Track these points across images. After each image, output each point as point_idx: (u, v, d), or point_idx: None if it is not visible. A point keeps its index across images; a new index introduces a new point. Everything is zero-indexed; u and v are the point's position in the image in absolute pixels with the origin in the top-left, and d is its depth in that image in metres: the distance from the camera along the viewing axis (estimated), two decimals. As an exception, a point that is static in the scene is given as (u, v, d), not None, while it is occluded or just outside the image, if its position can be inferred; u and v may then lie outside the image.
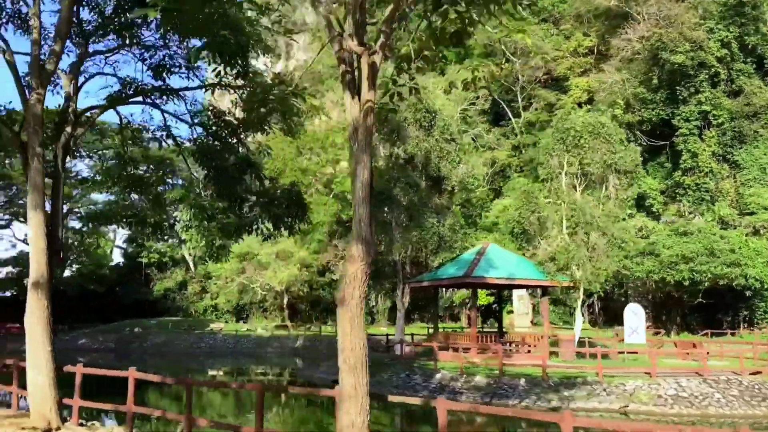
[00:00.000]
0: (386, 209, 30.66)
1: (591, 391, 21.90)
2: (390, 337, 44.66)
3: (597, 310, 55.22)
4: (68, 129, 13.91)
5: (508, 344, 29.90)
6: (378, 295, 66.05)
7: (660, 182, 60.10)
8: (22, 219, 78.72)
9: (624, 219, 30.91)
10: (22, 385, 15.22)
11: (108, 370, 16.03)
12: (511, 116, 72.65)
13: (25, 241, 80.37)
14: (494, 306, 59.91)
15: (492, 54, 77.07)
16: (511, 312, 59.43)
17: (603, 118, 30.29)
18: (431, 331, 53.41)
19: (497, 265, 28.36)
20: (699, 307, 49.13)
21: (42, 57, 13.67)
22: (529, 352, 28.94)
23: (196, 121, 14.57)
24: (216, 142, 14.47)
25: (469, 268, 27.96)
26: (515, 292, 55.63)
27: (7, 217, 77.20)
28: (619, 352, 27.68)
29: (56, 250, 13.30)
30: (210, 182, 14.30)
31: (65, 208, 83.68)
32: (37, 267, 12.85)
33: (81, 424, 13.42)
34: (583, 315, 33.39)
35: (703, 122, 57.53)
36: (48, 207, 13.83)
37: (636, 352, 28.84)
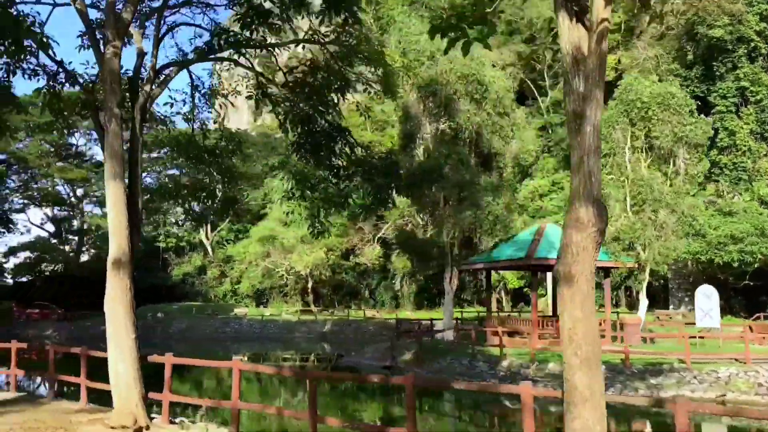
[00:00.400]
0: (434, 187, 28.96)
1: (680, 379, 20.36)
2: (423, 322, 43.39)
3: (634, 293, 53.61)
4: (146, 88, 12.27)
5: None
6: (402, 278, 64.74)
7: (695, 161, 58.30)
8: (37, 204, 77.36)
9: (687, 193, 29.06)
10: (90, 377, 13.74)
11: (201, 360, 14.41)
12: (537, 95, 70.73)
13: (40, 227, 79.03)
14: (525, 289, 58.51)
15: (516, 32, 75.31)
16: (543, 296, 58.01)
17: (672, 87, 28.52)
18: (462, 315, 52.15)
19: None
20: (743, 290, 47.53)
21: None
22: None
23: (289, 79, 12.94)
24: (308, 103, 12.88)
25: (530, 249, 26.35)
26: (550, 275, 54.12)
27: (22, 201, 75.83)
28: (692, 337, 26.06)
29: (136, 223, 11.68)
30: (300, 149, 12.70)
31: (80, 191, 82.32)
32: (118, 243, 11.23)
33: (172, 422, 11.92)
34: (645, 299, 31.68)
35: (741, 99, 55.53)
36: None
37: (703, 337, 27.27)
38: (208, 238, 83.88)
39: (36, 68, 13.63)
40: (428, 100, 31.10)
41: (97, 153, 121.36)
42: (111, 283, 11.09)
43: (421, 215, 33.03)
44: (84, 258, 74.76)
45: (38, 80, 13.97)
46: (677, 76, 59.00)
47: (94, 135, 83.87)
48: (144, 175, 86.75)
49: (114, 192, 11.16)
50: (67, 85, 13.97)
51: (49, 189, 76.51)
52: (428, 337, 32.58)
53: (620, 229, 26.88)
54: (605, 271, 28.89)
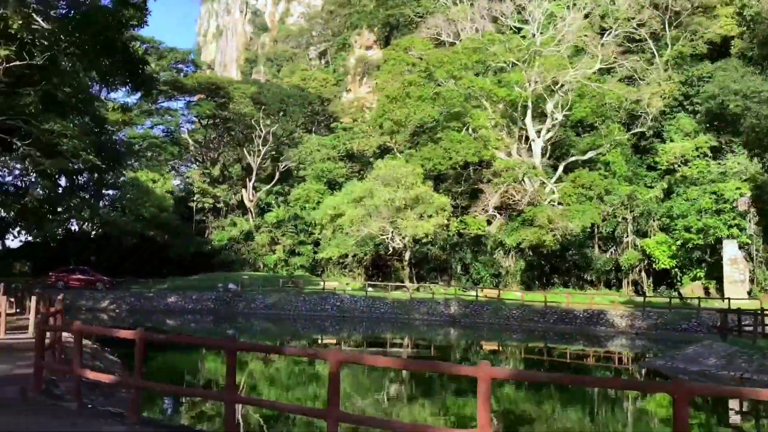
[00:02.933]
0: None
1: None
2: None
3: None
4: None
5: None
6: (509, 252, 55.14)
7: None
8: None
9: None
10: None
11: None
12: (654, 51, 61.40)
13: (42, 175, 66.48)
14: (674, 270, 49.45)
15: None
16: (698, 279, 49.22)
17: None
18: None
19: None
20: None
21: None
22: None
23: None
24: None
25: None
26: (727, 253, 45.31)
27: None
28: None
29: None
30: None
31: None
32: None
33: None
34: None
35: None
36: None
37: None
38: (250, 200, 72.93)
39: None
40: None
41: (118, 97, 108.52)
42: None
43: None
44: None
45: None
46: None
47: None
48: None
49: None
50: None
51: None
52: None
53: None
54: None
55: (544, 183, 54.75)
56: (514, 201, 53.94)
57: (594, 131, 57.64)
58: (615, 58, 56.09)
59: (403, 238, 49.24)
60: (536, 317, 41.96)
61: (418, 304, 45.02)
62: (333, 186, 72.98)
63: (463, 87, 51.47)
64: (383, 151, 73.10)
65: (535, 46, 55.76)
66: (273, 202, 74.10)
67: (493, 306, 43.84)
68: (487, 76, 56.18)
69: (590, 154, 54.72)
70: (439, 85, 53.70)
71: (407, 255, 52.14)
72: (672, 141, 53.27)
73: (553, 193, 53.60)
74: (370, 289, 50.30)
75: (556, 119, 54.53)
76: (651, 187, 54.70)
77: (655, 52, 60.75)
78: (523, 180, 54.01)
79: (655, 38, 61.58)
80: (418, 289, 51.20)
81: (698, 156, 51.65)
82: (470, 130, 54.27)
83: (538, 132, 56.51)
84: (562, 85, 54.22)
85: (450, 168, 52.37)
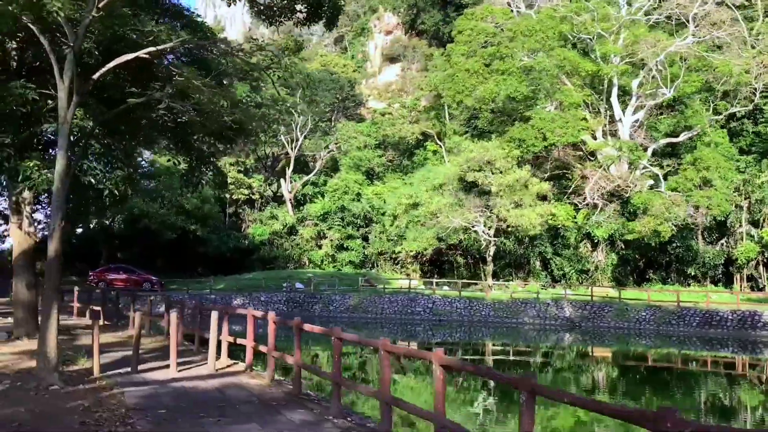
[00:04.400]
0: None
1: None
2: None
3: None
4: None
5: None
6: (597, 245, 49.30)
7: None
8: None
9: None
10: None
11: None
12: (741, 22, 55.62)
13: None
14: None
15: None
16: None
17: None
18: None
19: None
20: None
21: None
22: None
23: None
24: None
25: None
26: None
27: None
28: None
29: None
30: None
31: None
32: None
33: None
34: None
35: None
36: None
37: None
38: (290, 191, 66.45)
39: None
40: None
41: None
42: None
43: None
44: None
45: None
46: None
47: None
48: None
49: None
50: None
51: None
52: None
53: None
54: None
55: (633, 167, 48.89)
56: (599, 188, 48.14)
57: (676, 112, 51.97)
58: (712, 27, 50.33)
59: (489, 229, 43.22)
60: (673, 320, 36.07)
61: (523, 306, 39.05)
62: (371, 176, 67.33)
63: (558, 59, 45.33)
64: (425, 137, 67.44)
65: (623, 17, 49.87)
66: (310, 193, 67.82)
67: (616, 307, 37.90)
68: (571, 49, 50.15)
69: (685, 136, 48.86)
70: (521, 60, 47.49)
71: (492, 249, 46.00)
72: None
73: (650, 177, 47.86)
74: (446, 288, 44.35)
75: (664, 94, 48.42)
76: (743, 172, 49.22)
77: (743, 25, 55.07)
78: (608, 166, 48.22)
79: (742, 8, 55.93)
80: (490, 287, 45.18)
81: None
82: (556, 107, 48.35)
83: (624, 111, 50.68)
84: (653, 58, 48.35)
85: (544, 150, 46.29)
